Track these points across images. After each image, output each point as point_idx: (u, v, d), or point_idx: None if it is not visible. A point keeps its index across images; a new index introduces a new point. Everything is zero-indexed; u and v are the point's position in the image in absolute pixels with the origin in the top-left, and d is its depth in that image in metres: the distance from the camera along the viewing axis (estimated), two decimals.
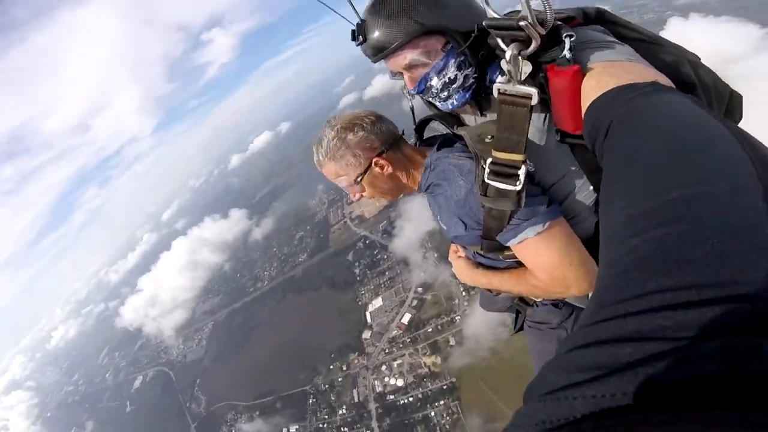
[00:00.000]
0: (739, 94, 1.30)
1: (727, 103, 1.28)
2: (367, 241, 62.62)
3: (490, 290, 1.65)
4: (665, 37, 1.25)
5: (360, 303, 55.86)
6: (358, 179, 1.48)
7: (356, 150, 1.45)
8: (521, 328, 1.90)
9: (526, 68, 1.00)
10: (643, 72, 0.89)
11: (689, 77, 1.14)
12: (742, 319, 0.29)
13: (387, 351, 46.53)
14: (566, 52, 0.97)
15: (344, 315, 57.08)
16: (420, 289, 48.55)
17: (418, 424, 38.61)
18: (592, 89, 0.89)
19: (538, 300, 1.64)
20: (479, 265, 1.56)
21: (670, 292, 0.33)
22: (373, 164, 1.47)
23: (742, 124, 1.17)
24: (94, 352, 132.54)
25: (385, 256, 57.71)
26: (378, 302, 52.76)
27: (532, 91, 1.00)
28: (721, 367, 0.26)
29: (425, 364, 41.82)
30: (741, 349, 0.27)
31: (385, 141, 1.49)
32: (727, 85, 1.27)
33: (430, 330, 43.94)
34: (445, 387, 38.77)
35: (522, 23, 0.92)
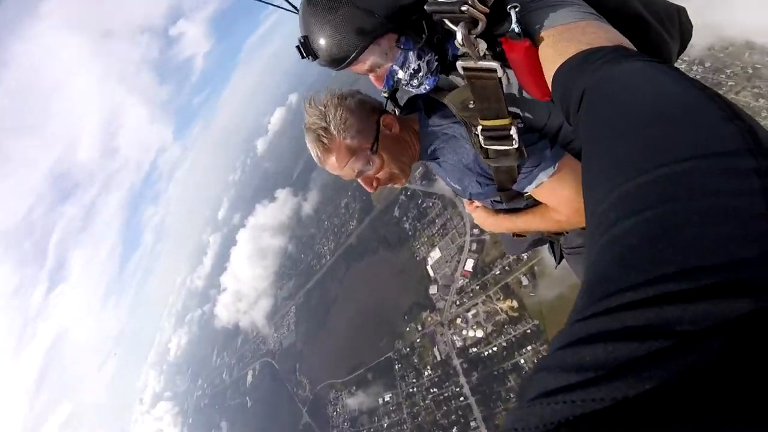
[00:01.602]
0: (683, 7, 1.31)
1: (678, 20, 1.30)
2: (408, 192, 59.37)
3: (516, 235, 1.74)
4: None
5: (418, 258, 53.90)
6: (374, 147, 1.40)
7: (361, 113, 1.39)
8: (562, 258, 1.96)
9: (482, 46, 1.02)
10: (600, 33, 0.87)
11: (638, 12, 1.16)
12: (742, 312, 0.27)
13: (458, 303, 44.59)
14: (514, 26, 0.98)
15: (406, 273, 55.82)
16: (476, 231, 44.84)
17: (509, 374, 36.81)
18: (552, 57, 0.89)
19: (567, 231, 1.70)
20: (500, 211, 1.61)
21: (665, 282, 0.32)
22: (381, 125, 1.41)
23: None
24: (206, 354, 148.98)
25: (431, 203, 54.31)
26: (436, 253, 50.29)
27: (494, 65, 1.04)
28: (726, 367, 0.25)
29: (502, 310, 39.26)
30: (745, 347, 0.26)
31: (380, 103, 1.48)
32: (672, 4, 1.29)
33: (498, 273, 40.84)
34: (528, 331, 36.09)
35: (464, 7, 0.93)
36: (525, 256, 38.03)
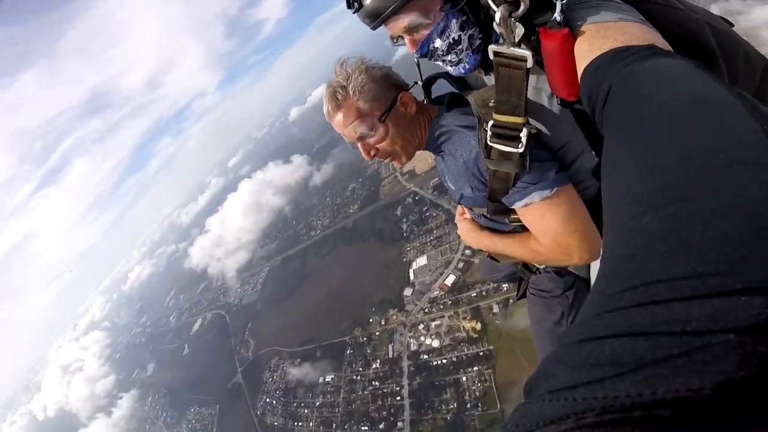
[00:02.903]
0: None
1: (762, 75, 1.23)
2: (417, 197, 61.87)
3: (492, 257, 1.71)
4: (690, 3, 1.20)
5: (405, 260, 56.15)
6: (383, 116, 1.42)
7: (382, 83, 1.44)
8: (524, 295, 1.94)
9: (519, 30, 1.01)
10: (638, 33, 0.87)
11: (708, 44, 1.10)
12: (756, 312, 0.27)
13: (426, 310, 46.70)
14: (557, 15, 0.98)
15: (389, 269, 57.92)
16: (468, 252, 47.20)
17: (448, 387, 38.96)
18: (585, 53, 0.89)
19: (541, 267, 1.68)
20: (484, 228, 1.60)
21: (680, 280, 0.32)
22: (399, 100, 1.44)
23: None
24: (162, 293, 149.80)
25: (434, 214, 56.71)
26: (422, 260, 52.58)
27: (527, 53, 1.02)
28: (738, 369, 0.25)
29: (464, 328, 41.39)
30: (756, 348, 0.26)
31: (405, 83, 1.51)
32: (763, 57, 1.21)
33: (474, 295, 43.03)
34: (481, 353, 38.24)
35: None
36: (505, 287, 40.40)
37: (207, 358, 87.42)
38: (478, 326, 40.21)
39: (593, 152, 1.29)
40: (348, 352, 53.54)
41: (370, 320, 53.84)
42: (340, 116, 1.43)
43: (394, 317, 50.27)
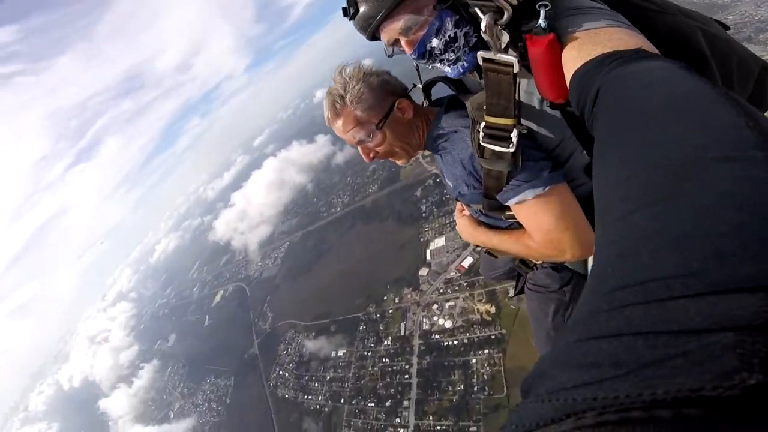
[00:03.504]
0: None
1: (758, 78, 1.25)
2: (438, 179, 60.45)
3: (490, 253, 1.77)
4: (684, 7, 1.22)
5: (422, 240, 55.31)
6: (380, 124, 1.48)
7: (379, 92, 1.48)
8: (522, 291, 2.01)
9: (504, 38, 1.05)
10: (626, 38, 0.88)
11: (700, 49, 1.12)
12: (753, 311, 0.27)
13: (441, 291, 45.99)
14: (541, 21, 1.00)
15: (405, 249, 57.31)
16: None
17: (457, 369, 38.33)
18: (574, 59, 0.90)
19: (538, 263, 1.73)
20: (482, 224, 1.66)
21: (673, 279, 0.31)
22: (395, 106, 1.49)
23: None
24: (187, 265, 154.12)
25: None
26: (440, 242, 51.69)
27: (512, 59, 1.07)
28: (737, 369, 0.25)
29: (478, 310, 40.53)
30: (755, 347, 0.25)
31: (403, 89, 1.57)
32: (759, 60, 1.23)
33: (491, 279, 42.01)
34: (493, 337, 37.37)
35: None
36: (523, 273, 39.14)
37: (226, 329, 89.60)
38: (493, 309, 39.23)
39: (585, 152, 1.31)
40: (361, 327, 53.51)
41: (385, 298, 53.51)
42: (339, 124, 1.49)
43: (409, 296, 49.77)
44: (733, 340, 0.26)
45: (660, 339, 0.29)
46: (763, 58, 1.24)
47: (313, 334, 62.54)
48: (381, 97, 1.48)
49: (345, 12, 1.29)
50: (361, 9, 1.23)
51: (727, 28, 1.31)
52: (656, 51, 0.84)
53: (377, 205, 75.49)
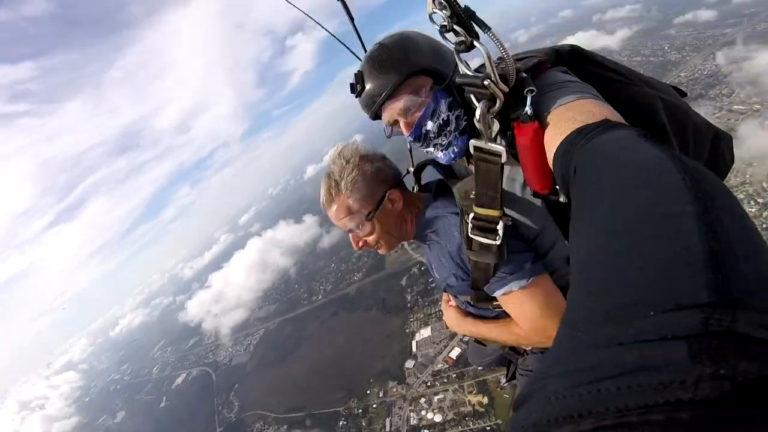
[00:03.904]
0: (728, 136, 1.39)
1: (712, 145, 1.38)
2: (423, 268, 62.19)
3: (478, 342, 1.82)
4: (649, 76, 1.38)
5: (408, 330, 55.17)
6: (370, 215, 1.52)
7: (371, 182, 1.53)
8: (513, 377, 2.04)
9: (495, 126, 1.11)
10: (594, 110, 0.96)
11: (660, 120, 1.24)
12: (696, 324, 0.32)
13: (429, 384, 45.02)
14: (527, 109, 1.06)
15: (390, 340, 56.65)
16: None
17: None
18: (553, 138, 0.96)
19: (528, 348, 1.77)
20: (469, 314, 1.68)
21: (626, 308, 0.38)
22: (386, 197, 1.54)
23: None
24: (150, 344, 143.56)
25: None
26: (426, 332, 51.74)
27: (501, 149, 1.11)
28: (689, 367, 0.29)
29: (470, 402, 39.69)
30: (701, 347, 0.30)
31: (396, 176, 1.62)
32: (712, 127, 1.37)
33: (480, 368, 41.63)
34: (488, 428, 36.42)
35: (486, 82, 1.03)
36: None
37: (185, 414, 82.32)
38: (485, 400, 38.70)
39: (566, 241, 1.39)
40: (341, 423, 50.60)
41: (368, 392, 51.56)
42: (333, 209, 1.54)
43: (394, 390, 48.24)
44: (684, 345, 0.31)
45: (630, 348, 0.33)
46: (715, 125, 1.39)
47: (285, 427, 58.23)
48: (374, 186, 1.52)
49: (352, 88, 1.40)
50: (367, 86, 1.35)
51: (684, 95, 1.45)
52: (621, 119, 0.94)
53: (361, 293, 75.53)
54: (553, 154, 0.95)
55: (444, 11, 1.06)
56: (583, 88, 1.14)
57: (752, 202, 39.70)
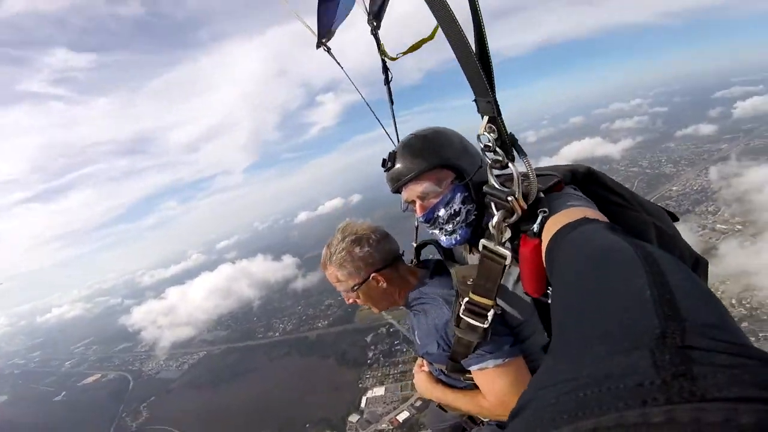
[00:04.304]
0: (705, 260, 1.57)
1: (692, 269, 1.52)
2: (392, 329, 60.26)
3: (441, 408, 1.95)
4: (649, 201, 1.60)
5: (360, 386, 52.11)
6: (355, 288, 1.74)
7: (359, 263, 1.73)
8: None
9: (506, 234, 1.28)
10: (578, 213, 1.10)
11: (648, 241, 1.40)
12: (656, 340, 0.39)
13: None
14: (535, 226, 1.20)
15: (339, 391, 53.15)
16: None
17: None
18: (546, 238, 1.10)
19: (485, 420, 1.87)
20: (440, 381, 1.83)
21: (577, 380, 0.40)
22: (371, 278, 1.74)
23: None
24: (75, 339, 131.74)
25: (404, 349, 54.59)
26: (379, 391, 48.92)
27: (507, 254, 1.28)
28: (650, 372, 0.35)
29: None
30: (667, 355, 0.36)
31: (385, 259, 1.78)
32: (693, 253, 1.56)
33: None
34: None
35: (510, 198, 1.22)
36: None
37: (79, 412, 73.46)
38: None
39: (545, 333, 1.55)
40: None
41: None
42: (326, 273, 1.80)
43: None
44: (648, 355, 0.37)
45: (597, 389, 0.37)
46: (695, 250, 1.56)
47: None
48: (360, 267, 1.72)
49: (383, 163, 1.62)
50: (397, 165, 1.56)
51: (676, 219, 1.67)
52: (600, 216, 1.10)
53: (322, 340, 71.82)
54: (545, 253, 1.08)
55: (492, 134, 1.20)
56: (580, 198, 1.36)
57: None
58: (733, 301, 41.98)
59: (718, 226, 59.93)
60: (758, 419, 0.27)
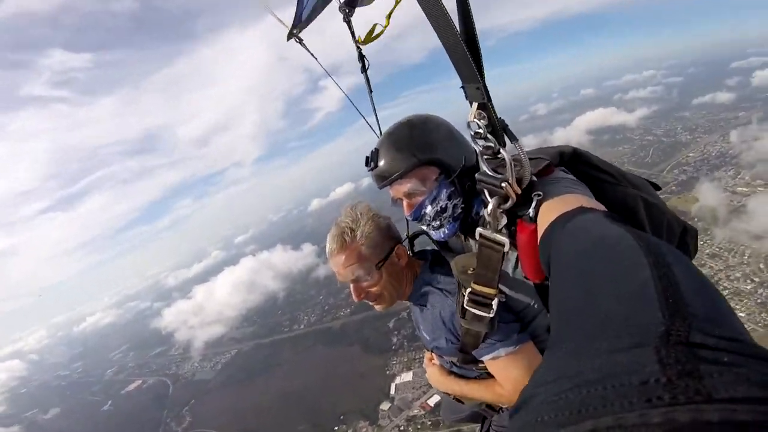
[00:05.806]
0: (694, 229, 1.59)
1: (680, 237, 1.57)
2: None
3: (457, 399, 1.91)
4: (633, 174, 1.60)
5: (388, 372, 52.81)
6: (380, 264, 1.63)
7: (385, 234, 1.67)
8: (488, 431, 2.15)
9: (503, 221, 1.23)
10: (574, 201, 1.07)
11: (640, 217, 1.43)
12: (661, 337, 0.37)
13: (402, 428, 42.19)
14: (531, 211, 1.17)
15: (368, 379, 53.94)
16: None
17: None
18: (542, 225, 1.07)
19: (504, 406, 1.86)
20: (452, 373, 1.81)
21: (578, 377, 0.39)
22: (394, 250, 1.68)
23: None
24: (113, 346, 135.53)
25: None
26: (407, 376, 49.47)
27: (505, 241, 1.23)
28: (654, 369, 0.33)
29: None
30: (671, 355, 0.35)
31: (399, 235, 1.77)
32: (681, 222, 1.56)
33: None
34: None
35: (503, 184, 1.16)
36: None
37: (127, 420, 76.28)
38: None
39: (548, 314, 1.51)
40: None
41: (336, 428, 48.16)
42: (342, 257, 1.61)
43: (364, 430, 45.15)
44: (653, 352, 0.36)
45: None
46: (684, 219, 1.57)
47: None
48: (386, 237, 1.64)
49: (367, 162, 1.55)
50: (380, 164, 1.50)
51: (658, 188, 1.66)
52: (597, 205, 1.06)
53: (345, 329, 72.84)
54: (539, 238, 1.05)
55: (482, 120, 1.16)
56: (576, 184, 1.32)
57: (748, 281, 39.92)
58: (761, 266, 40.66)
59: (739, 189, 58.30)
60: (758, 419, 0.27)
